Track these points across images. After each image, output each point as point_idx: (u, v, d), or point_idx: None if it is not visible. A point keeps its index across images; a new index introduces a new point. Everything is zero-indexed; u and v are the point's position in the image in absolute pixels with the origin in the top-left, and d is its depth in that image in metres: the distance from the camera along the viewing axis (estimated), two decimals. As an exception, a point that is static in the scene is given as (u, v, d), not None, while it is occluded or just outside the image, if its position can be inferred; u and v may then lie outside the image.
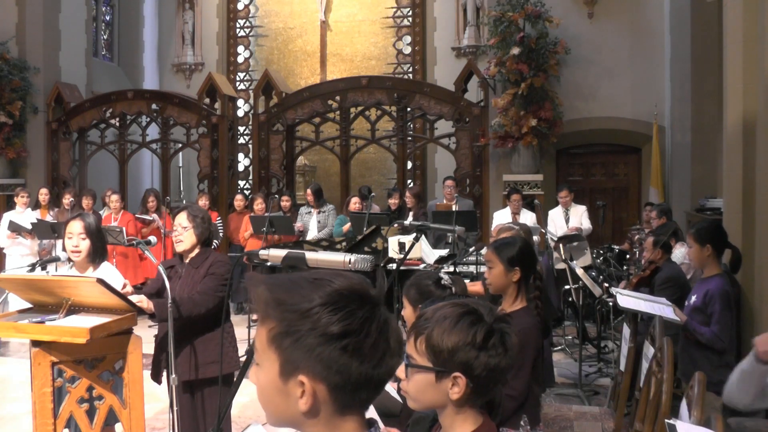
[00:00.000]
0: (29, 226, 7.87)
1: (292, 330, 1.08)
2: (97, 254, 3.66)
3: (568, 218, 7.97)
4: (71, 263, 3.72)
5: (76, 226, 3.61)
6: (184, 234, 3.60)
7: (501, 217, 7.74)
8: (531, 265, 2.84)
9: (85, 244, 3.61)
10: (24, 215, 8.17)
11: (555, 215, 8.06)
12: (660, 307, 4.12)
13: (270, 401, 1.14)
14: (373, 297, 1.12)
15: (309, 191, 8.71)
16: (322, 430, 1.12)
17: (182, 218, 3.63)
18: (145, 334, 4.74)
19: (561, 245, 6.48)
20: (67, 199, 8.53)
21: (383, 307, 1.14)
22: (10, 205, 8.86)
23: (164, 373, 3.66)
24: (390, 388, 2.17)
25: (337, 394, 1.09)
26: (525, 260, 2.78)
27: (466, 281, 4.86)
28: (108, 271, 3.66)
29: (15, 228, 7.96)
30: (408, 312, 2.86)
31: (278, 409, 1.14)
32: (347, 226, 7.87)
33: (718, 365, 3.85)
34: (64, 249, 3.73)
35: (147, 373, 3.54)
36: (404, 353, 1.17)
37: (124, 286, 3.45)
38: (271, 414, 1.15)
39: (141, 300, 3.32)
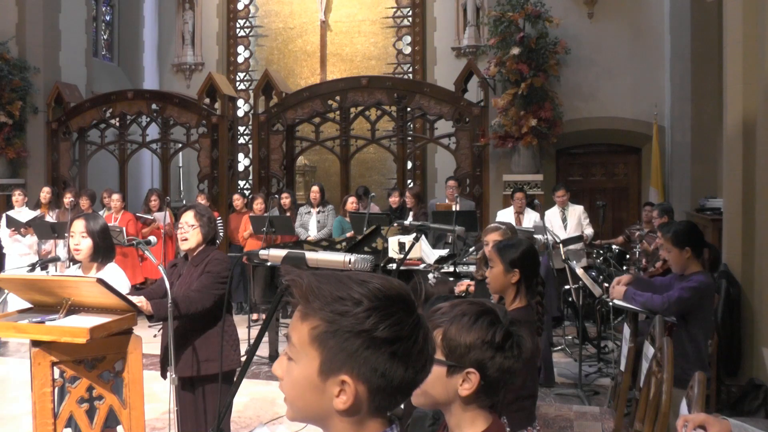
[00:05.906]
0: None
1: (339, 331, 1.08)
2: (100, 254, 3.66)
3: (565, 218, 7.90)
4: (78, 264, 3.72)
5: (78, 225, 3.63)
6: (190, 232, 3.61)
7: (504, 216, 7.71)
8: (532, 269, 2.83)
9: (86, 243, 3.61)
10: (21, 214, 8.16)
11: (551, 215, 7.97)
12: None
13: (300, 396, 1.13)
14: (414, 303, 1.13)
15: (316, 188, 8.63)
16: (348, 428, 1.12)
17: (189, 217, 3.64)
18: (145, 334, 4.74)
19: (561, 246, 6.47)
20: (68, 199, 8.53)
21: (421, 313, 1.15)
22: (10, 205, 8.84)
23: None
24: None
25: (377, 396, 1.10)
26: (526, 263, 2.79)
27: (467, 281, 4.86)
28: (113, 271, 3.66)
29: (13, 224, 7.95)
30: None
31: (307, 404, 1.13)
32: (350, 234, 7.76)
33: (694, 360, 3.73)
34: (68, 251, 3.73)
35: (147, 373, 3.54)
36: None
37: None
38: (298, 409, 1.15)
39: (141, 301, 3.32)
